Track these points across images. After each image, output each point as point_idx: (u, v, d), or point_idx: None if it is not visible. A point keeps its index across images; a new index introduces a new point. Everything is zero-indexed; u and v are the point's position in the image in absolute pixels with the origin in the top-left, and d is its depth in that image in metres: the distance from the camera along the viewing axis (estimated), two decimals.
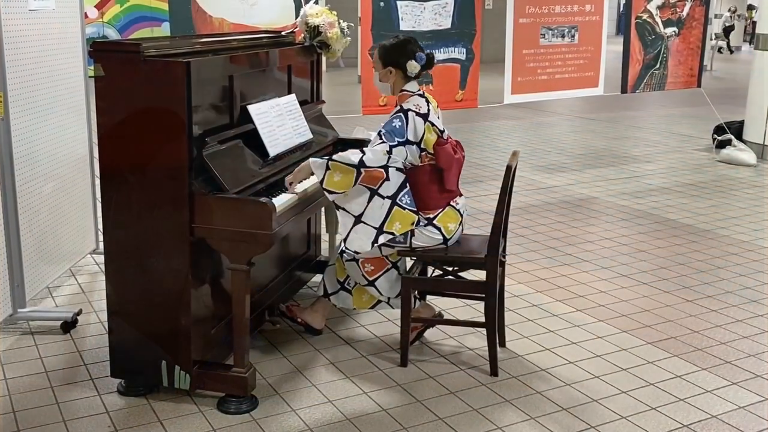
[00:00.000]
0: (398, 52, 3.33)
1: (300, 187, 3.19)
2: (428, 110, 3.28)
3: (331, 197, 3.14)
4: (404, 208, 3.22)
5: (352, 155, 3.09)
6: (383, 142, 3.16)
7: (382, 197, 3.17)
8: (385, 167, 3.14)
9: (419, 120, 3.23)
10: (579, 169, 7.45)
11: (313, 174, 3.13)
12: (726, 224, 5.59)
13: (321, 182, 3.09)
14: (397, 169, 3.20)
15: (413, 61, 3.30)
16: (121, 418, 2.92)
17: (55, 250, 4.00)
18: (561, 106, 11.30)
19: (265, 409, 3.00)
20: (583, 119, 10.68)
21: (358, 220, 3.19)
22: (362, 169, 3.08)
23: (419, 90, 3.35)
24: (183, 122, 2.77)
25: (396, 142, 3.17)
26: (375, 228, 3.19)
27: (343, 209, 3.20)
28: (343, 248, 3.35)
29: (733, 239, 5.24)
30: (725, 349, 3.58)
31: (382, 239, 3.21)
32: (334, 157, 3.10)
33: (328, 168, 3.07)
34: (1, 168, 3.44)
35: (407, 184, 3.25)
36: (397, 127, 3.19)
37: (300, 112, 3.62)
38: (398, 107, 3.28)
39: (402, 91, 3.34)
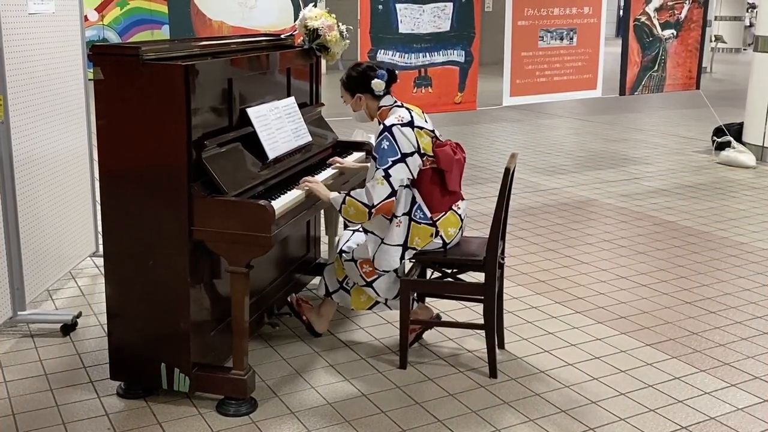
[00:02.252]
0: (358, 79, 3.39)
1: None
2: (411, 117, 3.30)
3: (350, 226, 3.35)
4: (419, 223, 3.28)
5: (365, 194, 3.21)
6: (377, 168, 3.20)
7: (396, 216, 3.27)
8: (394, 193, 3.21)
9: (406, 130, 3.24)
10: (578, 171, 7.46)
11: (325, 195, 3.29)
12: (725, 226, 5.59)
13: (340, 212, 3.26)
14: (405, 186, 3.24)
15: (376, 80, 3.35)
16: (120, 420, 2.92)
17: (55, 252, 4.01)
18: (560, 108, 11.30)
19: (265, 411, 3.01)
20: (582, 121, 10.69)
21: (383, 241, 3.31)
22: (372, 210, 3.20)
23: (396, 101, 3.39)
24: (182, 125, 2.78)
25: (389, 163, 3.20)
26: (400, 245, 3.29)
27: (372, 232, 3.34)
28: (342, 248, 3.38)
29: (732, 241, 5.24)
30: (724, 351, 3.58)
31: (408, 255, 3.32)
32: (351, 193, 3.23)
33: (344, 202, 3.21)
34: (1, 171, 3.45)
35: (417, 200, 3.29)
36: (386, 148, 3.22)
37: (299, 115, 3.62)
38: (381, 126, 3.29)
39: (380, 108, 3.38)
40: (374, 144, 3.28)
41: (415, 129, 3.27)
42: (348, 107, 3.46)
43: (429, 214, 3.28)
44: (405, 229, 3.27)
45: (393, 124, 3.25)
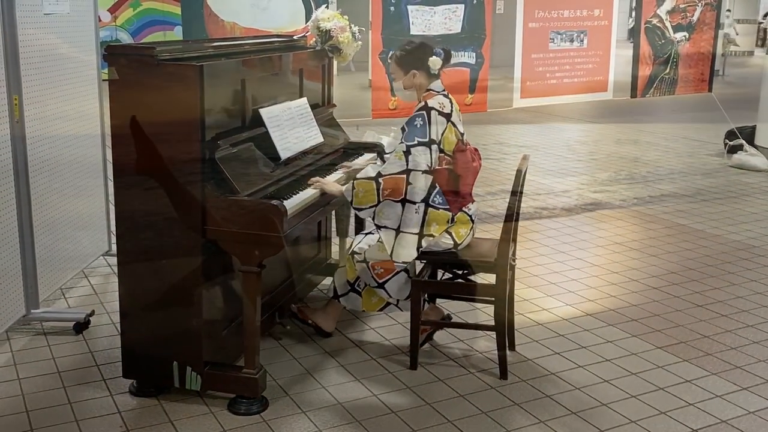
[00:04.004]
0: (417, 54, 3.37)
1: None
2: (451, 110, 3.31)
3: (362, 214, 3.30)
4: (437, 208, 3.27)
5: (371, 169, 3.20)
6: (401, 142, 3.20)
7: (414, 203, 3.23)
8: (407, 171, 3.18)
9: (441, 119, 3.25)
10: (589, 173, 7.45)
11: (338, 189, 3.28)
12: (737, 229, 5.57)
13: (351, 203, 3.22)
14: (423, 172, 3.22)
15: (435, 57, 3.35)
16: (132, 418, 2.94)
17: (68, 251, 4.04)
18: (571, 110, 11.28)
19: (276, 410, 3.02)
20: (593, 123, 10.67)
21: (398, 231, 3.27)
22: (380, 179, 3.17)
23: (444, 90, 3.37)
24: (196, 125, 2.80)
25: (416, 142, 3.19)
26: (416, 234, 3.26)
27: (384, 227, 3.29)
28: (354, 249, 3.38)
29: (743, 244, 5.22)
30: (735, 354, 3.57)
31: (424, 243, 3.28)
32: (357, 176, 3.22)
33: (353, 187, 3.19)
34: (15, 170, 3.48)
35: (436, 185, 3.27)
36: (418, 126, 3.22)
37: (311, 116, 3.64)
38: (422, 104, 3.29)
39: (428, 90, 3.36)
40: (408, 118, 3.27)
41: (449, 123, 3.27)
42: (397, 86, 3.45)
43: (446, 200, 3.27)
44: (422, 216, 3.25)
45: (433, 108, 3.25)
